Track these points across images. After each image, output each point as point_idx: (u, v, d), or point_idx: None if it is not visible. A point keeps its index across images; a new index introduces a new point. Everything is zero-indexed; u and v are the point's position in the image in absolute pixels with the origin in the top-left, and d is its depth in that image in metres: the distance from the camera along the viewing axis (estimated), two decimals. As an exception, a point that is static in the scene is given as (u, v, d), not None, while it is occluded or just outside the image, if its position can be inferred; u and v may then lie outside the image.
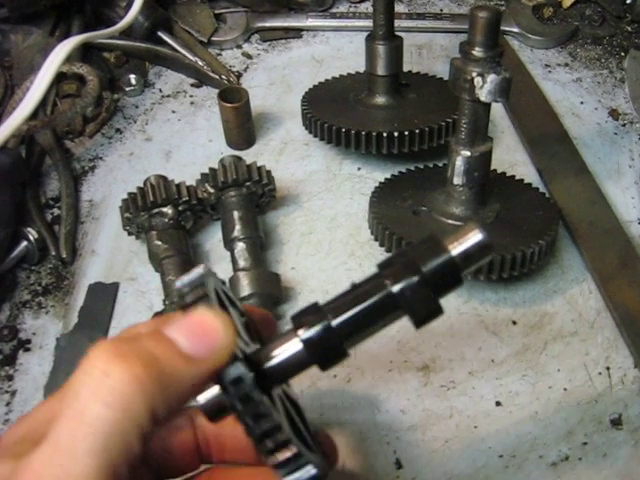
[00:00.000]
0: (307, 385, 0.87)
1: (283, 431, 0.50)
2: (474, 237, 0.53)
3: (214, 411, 0.50)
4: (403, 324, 0.91)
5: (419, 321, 0.54)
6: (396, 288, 0.53)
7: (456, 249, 0.53)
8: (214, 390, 0.50)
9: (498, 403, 0.87)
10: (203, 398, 0.50)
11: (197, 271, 0.54)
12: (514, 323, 0.94)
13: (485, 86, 0.82)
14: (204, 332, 0.49)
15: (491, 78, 0.82)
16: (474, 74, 0.82)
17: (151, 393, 0.45)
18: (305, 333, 0.53)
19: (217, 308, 0.51)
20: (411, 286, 0.52)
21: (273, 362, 0.53)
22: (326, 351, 0.53)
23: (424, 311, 0.54)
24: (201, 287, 0.52)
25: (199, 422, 0.64)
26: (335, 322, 0.53)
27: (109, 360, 0.45)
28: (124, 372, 0.44)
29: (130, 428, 0.44)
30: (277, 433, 0.50)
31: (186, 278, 0.54)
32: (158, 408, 0.45)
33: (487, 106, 0.87)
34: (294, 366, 0.54)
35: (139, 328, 0.55)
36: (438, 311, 0.54)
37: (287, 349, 0.53)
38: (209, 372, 0.48)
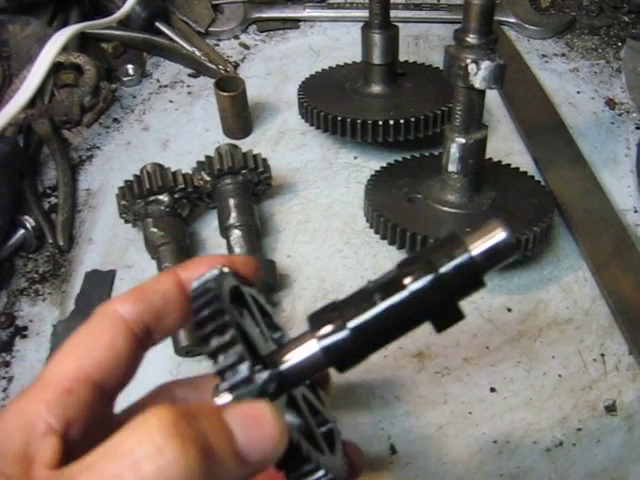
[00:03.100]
0: (302, 371, 0.88)
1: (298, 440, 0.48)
2: (497, 236, 0.49)
3: None
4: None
5: (440, 327, 0.51)
6: (414, 289, 0.49)
7: (477, 249, 0.49)
8: None
9: (493, 389, 0.87)
10: None
11: (214, 271, 0.52)
12: (509, 310, 0.94)
13: (479, 73, 0.82)
14: (263, 434, 0.45)
15: (485, 65, 0.82)
16: (468, 61, 0.82)
17: None
18: (324, 340, 0.50)
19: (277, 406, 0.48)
20: (430, 289, 0.49)
21: (290, 364, 0.51)
22: (346, 359, 0.51)
23: (445, 316, 0.50)
24: (212, 289, 0.50)
25: (181, 396, 0.61)
26: (353, 327, 0.50)
27: (167, 436, 0.41)
28: (179, 457, 0.41)
29: None
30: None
31: (201, 279, 0.52)
32: None
33: (481, 93, 0.87)
34: (312, 370, 0.51)
35: (115, 306, 0.53)
36: (460, 316, 0.51)
37: (306, 354, 0.51)
38: (254, 474, 0.45)
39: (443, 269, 0.48)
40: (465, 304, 0.92)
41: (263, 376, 0.47)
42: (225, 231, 0.98)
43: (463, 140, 0.89)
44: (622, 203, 1.06)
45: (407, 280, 0.49)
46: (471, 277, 0.49)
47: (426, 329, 0.90)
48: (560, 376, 0.88)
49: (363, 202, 1.02)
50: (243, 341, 0.48)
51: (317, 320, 0.51)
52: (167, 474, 0.41)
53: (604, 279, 0.96)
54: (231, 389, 0.47)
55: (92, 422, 0.51)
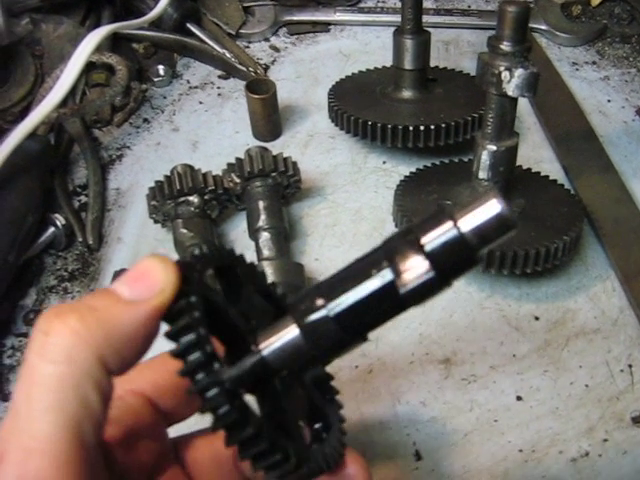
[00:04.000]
0: (328, 375, 0.88)
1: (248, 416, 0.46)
2: (491, 209, 0.43)
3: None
4: (426, 317, 0.92)
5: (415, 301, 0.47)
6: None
7: (467, 223, 0.44)
8: None
9: (519, 398, 0.87)
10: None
11: (199, 247, 0.51)
12: (536, 319, 0.94)
13: (512, 80, 0.82)
14: (141, 275, 0.47)
15: (519, 72, 0.82)
16: (502, 68, 0.82)
17: (94, 341, 0.44)
18: (302, 320, 0.48)
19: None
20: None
21: (269, 348, 0.49)
22: (327, 345, 0.48)
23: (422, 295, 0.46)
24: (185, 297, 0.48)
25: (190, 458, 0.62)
26: (334, 313, 0.47)
27: (48, 320, 0.44)
28: (62, 327, 0.44)
29: (81, 380, 0.43)
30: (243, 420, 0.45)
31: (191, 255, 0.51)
32: (107, 356, 0.44)
33: (514, 101, 0.87)
34: (290, 353, 0.49)
35: None
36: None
37: (286, 340, 0.48)
38: (153, 311, 0.46)
39: (428, 247, 0.44)
40: (492, 312, 0.93)
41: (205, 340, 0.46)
42: (254, 233, 0.98)
43: (494, 147, 0.89)
44: (652, 213, 1.06)
45: (386, 263, 0.46)
46: (461, 255, 0.45)
47: (453, 335, 0.91)
48: (587, 386, 0.88)
49: (392, 207, 1.02)
50: (204, 312, 0.47)
51: (296, 303, 0.49)
52: (60, 345, 0.43)
53: (633, 289, 0.95)
54: (180, 354, 0.46)
55: (142, 438, 0.55)
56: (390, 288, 0.46)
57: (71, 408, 0.42)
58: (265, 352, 0.49)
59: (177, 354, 0.46)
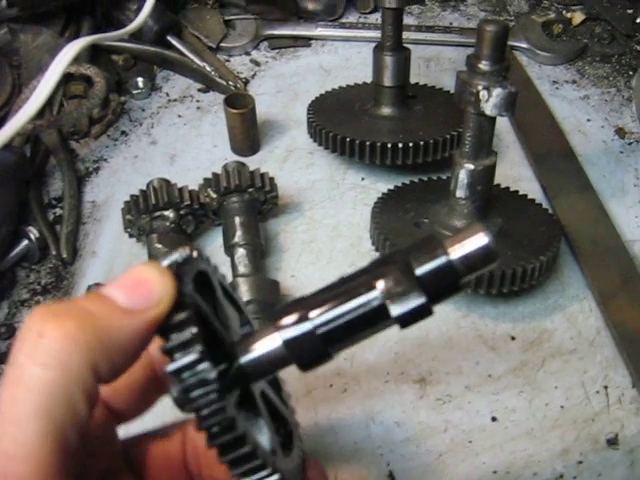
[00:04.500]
0: (302, 393, 0.87)
1: (229, 417, 0.46)
2: (478, 241, 0.46)
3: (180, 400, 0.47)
4: (401, 336, 0.92)
5: (405, 323, 0.48)
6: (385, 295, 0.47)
7: (456, 253, 0.47)
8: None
9: (494, 418, 0.86)
10: (174, 390, 0.47)
11: (181, 252, 0.51)
12: (513, 338, 0.93)
13: (490, 100, 0.82)
14: (138, 283, 0.47)
15: (497, 92, 0.81)
16: (480, 87, 0.82)
17: (89, 349, 0.43)
18: (286, 332, 0.49)
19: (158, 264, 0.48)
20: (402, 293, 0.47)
21: (250, 357, 0.50)
22: (309, 355, 0.49)
23: (416, 315, 0.48)
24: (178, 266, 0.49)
25: (190, 435, 0.61)
26: (320, 328, 0.48)
27: (42, 321, 0.43)
28: (57, 330, 0.43)
29: (72, 387, 0.42)
30: (222, 417, 0.46)
31: (169, 259, 0.50)
32: (100, 364, 0.43)
33: (492, 120, 0.86)
34: (272, 364, 0.50)
35: None
36: (427, 313, 0.48)
37: (266, 346, 0.50)
38: (150, 323, 0.46)
39: (419, 271, 0.47)
40: (468, 331, 0.93)
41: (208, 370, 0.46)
42: (229, 249, 0.97)
43: (472, 166, 0.89)
44: (630, 233, 1.06)
45: (380, 282, 0.47)
46: (448, 282, 0.47)
47: (429, 355, 0.90)
48: (562, 407, 0.87)
49: (369, 224, 1.02)
50: (200, 326, 0.47)
51: (281, 313, 0.50)
52: (54, 349, 0.42)
53: (609, 310, 0.95)
54: (178, 371, 0.46)
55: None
56: (381, 310, 0.47)
57: (58, 415, 0.41)
58: (243, 361, 0.50)
59: (175, 371, 0.45)
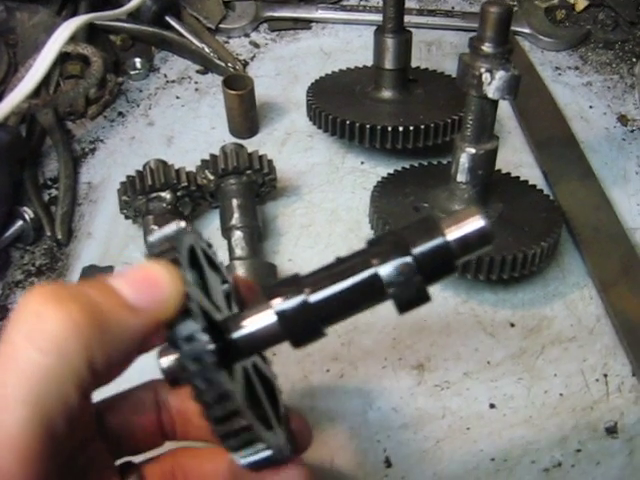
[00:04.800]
0: (299, 378, 0.86)
1: (234, 400, 0.46)
2: (474, 223, 0.48)
3: (173, 374, 0.48)
4: (400, 321, 0.91)
5: (403, 306, 0.49)
6: (382, 269, 0.48)
7: (453, 234, 0.48)
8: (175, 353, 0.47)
9: (492, 405, 0.85)
10: (164, 361, 0.48)
11: (173, 226, 0.51)
12: (512, 325, 0.93)
13: (493, 82, 0.81)
14: (148, 282, 0.46)
15: (500, 75, 0.80)
16: (482, 70, 0.81)
17: (89, 340, 0.42)
18: (279, 305, 0.49)
19: (168, 262, 0.48)
20: (399, 268, 0.48)
21: (243, 332, 0.50)
22: (302, 328, 0.50)
23: (410, 297, 0.49)
24: (172, 241, 0.49)
25: (163, 398, 0.61)
26: (314, 298, 0.49)
27: (44, 302, 0.42)
28: (60, 314, 0.41)
29: (66, 376, 0.41)
30: (227, 401, 0.46)
31: (160, 233, 0.51)
32: (97, 357, 0.42)
33: (494, 103, 0.85)
34: (266, 339, 0.50)
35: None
36: (425, 298, 0.49)
37: (259, 320, 0.50)
38: (154, 324, 0.46)
39: (416, 251, 0.48)
40: (468, 318, 0.92)
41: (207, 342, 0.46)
42: (227, 232, 0.96)
43: (473, 150, 0.88)
44: (631, 221, 1.05)
45: (375, 258, 0.48)
46: (444, 262, 0.48)
47: (427, 341, 0.89)
48: (561, 395, 0.86)
49: (368, 209, 1.00)
50: (197, 302, 0.48)
51: (276, 289, 0.50)
52: (54, 335, 0.41)
53: (610, 298, 0.94)
54: (175, 342, 0.46)
55: None
56: (375, 285, 0.48)
57: (47, 402, 0.40)
58: (237, 336, 0.50)
59: (172, 342, 0.46)
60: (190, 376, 0.46)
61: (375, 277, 0.48)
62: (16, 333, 0.41)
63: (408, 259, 0.48)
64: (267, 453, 0.49)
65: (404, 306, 0.49)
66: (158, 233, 0.51)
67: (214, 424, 0.47)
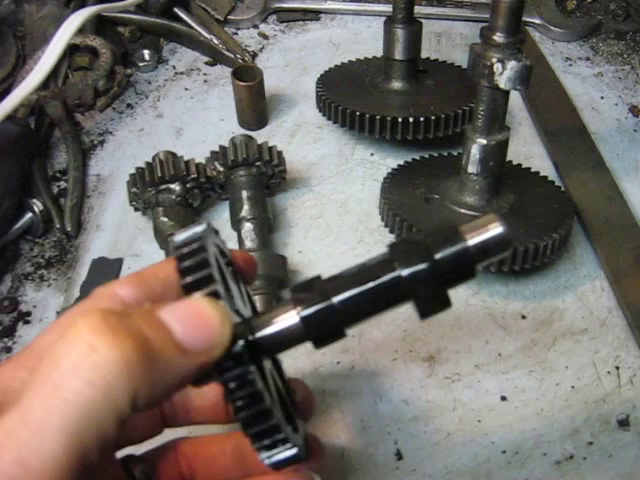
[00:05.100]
0: (309, 370, 0.86)
1: (266, 400, 0.48)
2: (494, 229, 0.50)
3: (200, 380, 0.48)
4: (410, 314, 0.90)
5: (425, 312, 0.51)
6: (405, 273, 0.49)
7: (473, 239, 0.49)
8: None
9: (503, 398, 0.85)
10: None
11: (197, 229, 0.52)
12: (523, 317, 0.92)
13: (505, 73, 0.80)
14: (200, 323, 0.45)
15: (511, 65, 0.80)
16: (494, 60, 0.80)
17: (137, 378, 0.41)
18: (305, 310, 0.50)
19: (215, 299, 0.48)
20: (422, 273, 0.49)
21: (267, 332, 0.50)
22: (325, 330, 0.50)
23: (432, 302, 0.50)
24: (202, 256, 0.49)
25: (183, 451, 0.62)
26: (337, 301, 0.49)
27: (98, 333, 0.41)
28: (113, 349, 0.41)
29: (109, 411, 0.40)
30: (259, 401, 0.47)
31: (184, 235, 0.51)
32: (141, 394, 0.42)
33: (506, 94, 0.84)
34: (288, 340, 0.51)
35: (115, 289, 0.53)
36: (447, 304, 0.51)
37: (284, 322, 0.50)
38: (200, 367, 0.45)
39: (438, 255, 0.49)
40: (479, 310, 0.91)
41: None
42: (236, 223, 0.96)
43: (484, 141, 0.87)
44: (643, 212, 1.04)
45: (398, 264, 0.49)
46: (464, 267, 0.50)
47: (438, 333, 0.89)
48: (573, 387, 0.86)
49: (379, 200, 1.00)
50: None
51: (300, 290, 0.51)
52: (106, 369, 0.40)
53: (622, 290, 0.94)
54: None
55: None
56: (399, 290, 0.50)
57: (87, 436, 0.40)
58: (260, 335, 0.51)
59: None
60: (223, 377, 0.47)
61: (398, 282, 0.49)
62: (66, 361, 0.41)
63: (431, 264, 0.49)
64: (293, 452, 0.50)
65: (426, 311, 0.51)
66: (181, 236, 0.51)
67: (245, 424, 0.48)
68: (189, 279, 0.48)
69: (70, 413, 0.39)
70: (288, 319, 0.50)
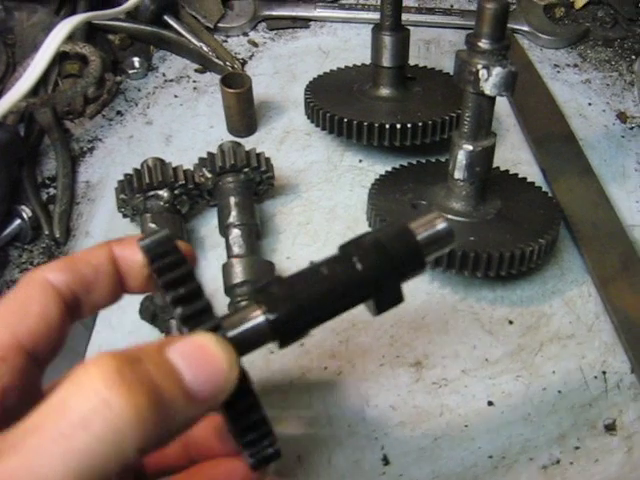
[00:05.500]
0: (297, 376, 0.86)
1: (261, 409, 0.49)
2: (439, 224, 0.55)
3: None
4: (398, 319, 0.91)
5: (381, 307, 0.54)
6: (366, 267, 0.51)
7: (422, 234, 0.54)
8: None
9: (490, 403, 0.85)
10: None
11: (162, 234, 0.51)
12: (510, 323, 0.92)
13: (490, 79, 0.81)
14: (206, 360, 0.44)
15: (496, 71, 0.80)
16: (479, 66, 0.80)
17: (147, 430, 0.40)
18: (271, 312, 0.50)
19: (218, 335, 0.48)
20: (380, 268, 0.52)
21: (234, 333, 0.50)
22: (291, 331, 0.51)
23: (388, 296, 0.54)
24: (182, 265, 0.49)
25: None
26: (303, 302, 0.50)
27: (112, 387, 0.40)
28: (127, 405, 0.40)
29: (115, 462, 0.40)
30: (255, 410, 0.49)
31: (150, 240, 0.51)
32: (149, 444, 0.41)
33: (491, 100, 0.85)
34: (255, 342, 0.51)
35: (45, 274, 0.51)
36: (400, 299, 0.54)
37: (251, 325, 0.50)
38: (207, 411, 0.45)
39: (393, 251, 0.52)
40: (466, 315, 0.92)
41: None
42: (224, 230, 0.96)
43: (470, 147, 0.87)
44: (630, 218, 1.04)
45: (355, 258, 0.52)
46: (416, 259, 0.54)
47: (425, 338, 0.89)
48: (560, 392, 0.86)
49: (366, 206, 1.00)
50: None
51: (263, 292, 0.51)
52: (118, 426, 0.40)
53: (609, 295, 0.94)
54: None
55: (25, 392, 0.49)
56: (361, 282, 0.52)
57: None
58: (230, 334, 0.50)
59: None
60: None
61: (361, 277, 0.52)
62: (77, 413, 0.40)
63: (387, 258, 0.52)
64: (272, 450, 0.50)
65: (382, 306, 0.54)
66: (147, 242, 0.52)
67: (239, 437, 0.49)
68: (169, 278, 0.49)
69: (76, 464, 0.39)
70: (254, 320, 0.50)
